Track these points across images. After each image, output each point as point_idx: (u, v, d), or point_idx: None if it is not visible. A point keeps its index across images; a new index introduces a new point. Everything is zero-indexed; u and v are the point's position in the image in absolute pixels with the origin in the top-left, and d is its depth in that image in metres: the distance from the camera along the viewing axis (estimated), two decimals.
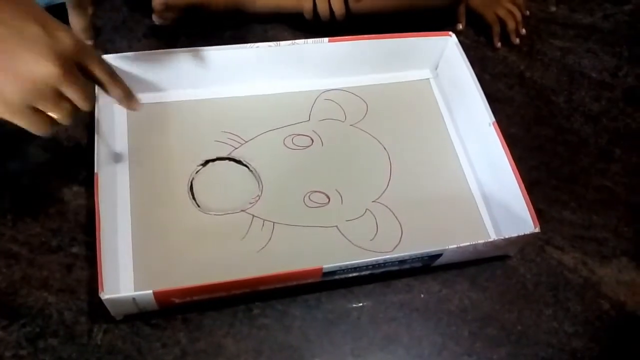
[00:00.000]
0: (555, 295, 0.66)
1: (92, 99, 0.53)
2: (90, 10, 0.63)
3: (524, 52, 0.90)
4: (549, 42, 0.92)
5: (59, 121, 0.51)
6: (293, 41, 0.71)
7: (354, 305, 0.62)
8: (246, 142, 0.70)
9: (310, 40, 0.71)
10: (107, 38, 0.78)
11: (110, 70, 0.54)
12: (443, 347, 0.60)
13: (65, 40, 0.48)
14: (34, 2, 0.49)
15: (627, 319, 0.65)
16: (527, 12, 0.94)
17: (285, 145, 0.71)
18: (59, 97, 0.49)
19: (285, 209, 0.66)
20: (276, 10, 0.83)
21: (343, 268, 0.57)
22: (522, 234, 0.60)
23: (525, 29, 0.91)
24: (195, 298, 0.56)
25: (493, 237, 0.67)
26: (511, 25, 0.89)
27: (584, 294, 0.66)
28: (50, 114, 0.50)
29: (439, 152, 0.74)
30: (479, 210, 0.69)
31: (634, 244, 0.71)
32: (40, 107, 0.48)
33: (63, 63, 0.47)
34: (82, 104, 0.51)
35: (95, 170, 0.58)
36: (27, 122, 0.49)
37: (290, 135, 0.72)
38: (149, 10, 0.77)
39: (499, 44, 0.89)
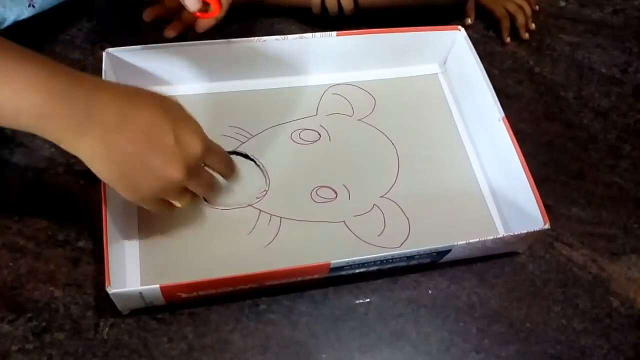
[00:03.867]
0: (564, 292, 0.65)
1: (214, 188, 0.60)
2: None
3: (533, 47, 0.89)
4: (559, 37, 0.91)
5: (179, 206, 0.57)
6: (300, 35, 0.71)
7: (361, 301, 0.61)
8: (253, 136, 0.70)
9: (317, 34, 0.71)
10: (113, 31, 0.78)
11: (228, 163, 0.61)
12: (451, 344, 0.60)
13: (192, 146, 0.52)
14: (170, 105, 0.53)
15: (637, 316, 0.64)
16: (537, 7, 0.93)
17: (293, 140, 0.70)
18: (184, 190, 0.55)
19: (292, 204, 0.65)
20: (285, 5, 0.82)
21: (350, 264, 0.57)
22: (532, 230, 0.60)
23: (535, 24, 0.90)
24: (201, 293, 0.56)
25: (502, 233, 0.66)
26: (520, 20, 0.88)
27: (593, 290, 0.66)
28: (173, 202, 0.57)
29: (447, 147, 0.73)
30: (487, 206, 0.69)
31: None
32: (166, 198, 0.55)
33: (189, 168, 0.52)
34: (204, 195, 0.61)
35: None
36: (153, 208, 0.55)
37: (297, 130, 0.71)
38: (156, 3, 0.76)
39: (508, 39, 0.88)
